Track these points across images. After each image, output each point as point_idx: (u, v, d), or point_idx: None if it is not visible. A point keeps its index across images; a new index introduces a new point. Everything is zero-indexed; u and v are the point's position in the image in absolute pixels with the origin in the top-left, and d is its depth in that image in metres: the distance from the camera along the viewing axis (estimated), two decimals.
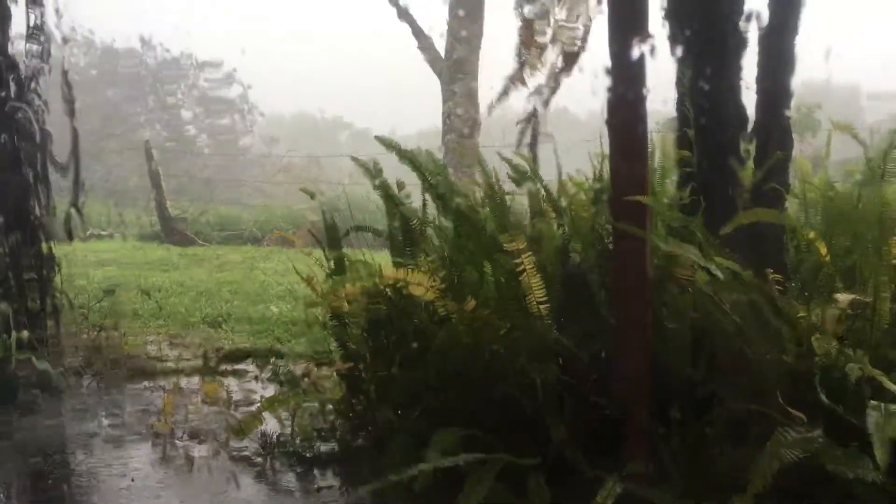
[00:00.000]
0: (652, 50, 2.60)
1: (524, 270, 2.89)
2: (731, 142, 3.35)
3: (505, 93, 4.32)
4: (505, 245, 2.91)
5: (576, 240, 3.27)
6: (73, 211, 5.19)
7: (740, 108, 3.50)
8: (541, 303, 2.92)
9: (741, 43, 3.45)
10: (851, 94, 27.43)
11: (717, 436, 2.68)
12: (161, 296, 8.02)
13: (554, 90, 3.99)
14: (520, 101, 4.33)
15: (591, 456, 2.80)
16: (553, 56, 3.99)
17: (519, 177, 3.83)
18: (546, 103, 4.02)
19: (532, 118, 4.06)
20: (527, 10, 3.90)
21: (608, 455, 2.77)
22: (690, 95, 3.44)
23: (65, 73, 5.16)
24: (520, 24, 3.97)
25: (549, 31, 3.96)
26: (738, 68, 3.49)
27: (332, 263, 3.68)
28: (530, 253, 2.90)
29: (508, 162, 3.91)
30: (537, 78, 4.09)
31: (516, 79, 4.03)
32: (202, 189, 21.25)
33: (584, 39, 3.94)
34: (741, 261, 2.68)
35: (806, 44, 3.48)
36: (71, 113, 5.16)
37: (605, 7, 2.85)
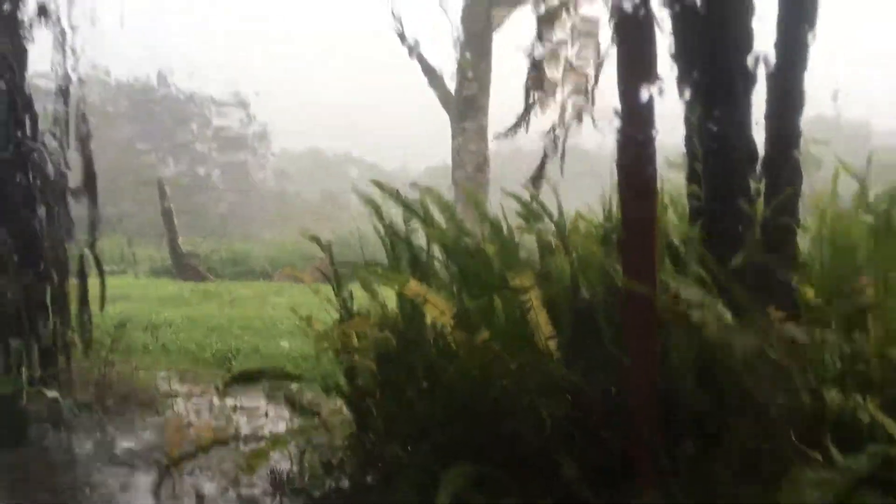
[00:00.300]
0: (660, 91, 2.62)
1: (531, 307, 2.89)
2: (739, 179, 3.35)
3: (515, 129, 4.33)
4: (511, 283, 2.92)
5: (584, 276, 3.27)
6: (87, 251, 5.24)
7: (751, 145, 3.51)
8: (549, 339, 2.91)
9: (749, 81, 3.47)
10: (861, 130, 27.52)
11: (728, 472, 2.65)
12: (172, 331, 8.05)
13: (566, 132, 3.99)
14: (530, 139, 4.34)
15: (601, 490, 2.77)
16: (563, 95, 4.01)
17: (528, 213, 3.84)
18: (559, 143, 4.02)
19: (543, 160, 4.06)
20: (537, 51, 3.93)
21: (618, 489, 2.75)
22: (699, 133, 3.45)
23: (81, 115, 5.24)
24: (528, 64, 3.99)
25: (560, 70, 3.98)
26: (748, 105, 3.50)
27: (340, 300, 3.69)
28: (537, 289, 2.91)
29: (517, 199, 3.93)
30: (549, 116, 4.10)
31: (523, 120, 4.05)
32: (215, 224, 21.39)
33: (596, 79, 3.96)
34: (749, 298, 2.67)
35: (816, 78, 3.50)
36: (87, 155, 5.23)
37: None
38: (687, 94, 3.43)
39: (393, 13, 14.97)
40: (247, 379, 3.81)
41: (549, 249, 3.59)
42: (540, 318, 2.89)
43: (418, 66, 15.05)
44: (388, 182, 3.86)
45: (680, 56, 3.55)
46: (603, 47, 3.95)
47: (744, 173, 3.37)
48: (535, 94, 3.99)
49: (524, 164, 4.52)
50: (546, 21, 3.91)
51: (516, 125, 4.28)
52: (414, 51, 15.13)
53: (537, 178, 4.07)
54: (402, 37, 15.10)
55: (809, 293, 2.78)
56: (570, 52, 3.96)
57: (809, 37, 3.38)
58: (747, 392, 2.48)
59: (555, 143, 4.00)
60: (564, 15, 3.93)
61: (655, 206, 2.88)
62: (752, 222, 3.32)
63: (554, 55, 3.95)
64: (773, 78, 3.48)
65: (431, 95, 14.95)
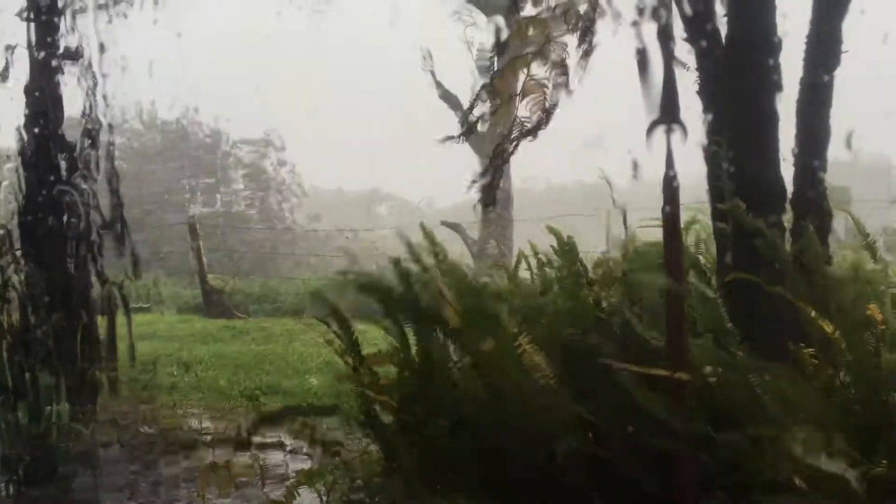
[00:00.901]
0: (672, 131, 2.61)
1: (524, 351, 2.87)
2: (767, 217, 3.31)
3: (462, 136, 4.30)
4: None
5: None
6: (115, 290, 5.32)
7: (779, 182, 3.49)
8: (549, 378, 2.88)
9: (775, 119, 3.46)
10: (881, 165, 27.14)
11: None
12: (201, 368, 8.07)
13: (516, 142, 3.98)
14: (555, 174, 4.32)
15: None
16: (523, 110, 4.01)
17: (561, 249, 3.84)
18: (505, 156, 4.01)
19: (496, 171, 4.06)
20: (498, 63, 3.94)
21: None
22: (726, 171, 3.43)
23: (111, 160, 5.35)
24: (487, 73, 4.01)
25: (520, 84, 3.99)
26: (775, 143, 3.49)
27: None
28: (525, 333, 2.88)
29: (555, 233, 3.92)
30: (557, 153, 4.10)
31: (471, 127, 4.04)
32: (246, 262, 21.55)
33: (565, 89, 3.96)
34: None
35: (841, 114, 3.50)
36: (117, 200, 5.33)
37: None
38: (711, 132, 3.43)
39: (423, 51, 15.20)
40: (271, 420, 3.80)
41: (576, 285, 3.57)
42: (536, 359, 2.86)
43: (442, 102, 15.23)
44: (415, 218, 3.88)
45: (705, 93, 3.55)
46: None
47: (772, 213, 3.35)
48: (490, 103, 4.00)
49: (552, 199, 4.51)
50: (514, 35, 3.93)
51: (466, 132, 4.25)
52: (445, 93, 15.30)
53: (488, 194, 4.07)
54: (435, 81, 15.30)
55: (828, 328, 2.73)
56: (541, 71, 3.97)
57: (830, 77, 3.38)
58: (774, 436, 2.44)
59: (502, 155, 4.00)
60: (532, 31, 3.94)
61: (681, 247, 2.86)
62: (780, 262, 3.29)
63: (512, 68, 3.96)
64: (799, 117, 3.48)
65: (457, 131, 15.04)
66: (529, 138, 3.94)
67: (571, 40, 3.92)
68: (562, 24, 3.85)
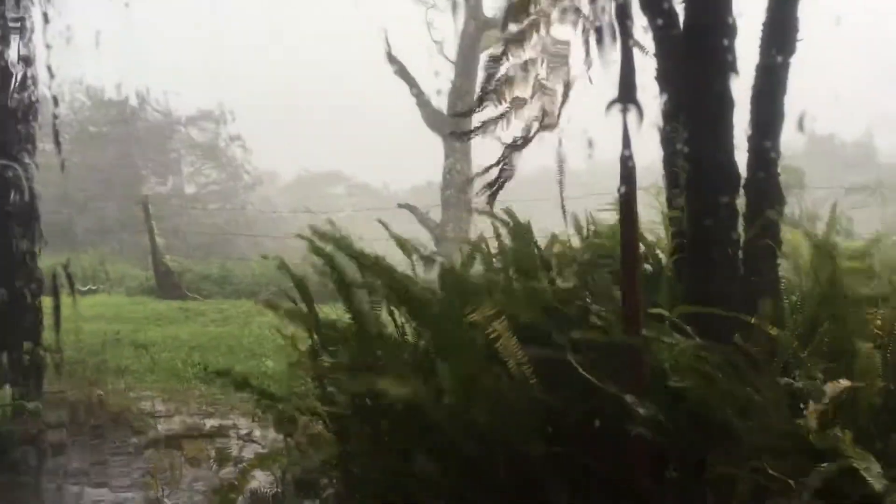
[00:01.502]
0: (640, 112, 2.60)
1: (499, 336, 2.85)
2: (721, 202, 3.34)
3: (477, 130, 4.27)
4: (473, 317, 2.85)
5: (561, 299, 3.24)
6: (61, 269, 5.20)
7: (732, 167, 3.51)
8: (521, 364, 2.86)
9: (730, 104, 3.47)
10: (863, 150, 27.73)
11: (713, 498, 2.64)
12: (154, 350, 7.96)
13: (525, 143, 3.98)
14: (530, 162, 4.30)
15: None
16: (533, 112, 4.01)
17: (516, 231, 3.83)
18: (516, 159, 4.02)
19: (504, 172, 4.06)
20: (503, 67, 3.95)
21: None
22: (682, 155, 3.45)
23: (56, 133, 5.21)
24: (484, 79, 4.02)
25: (531, 87, 3.99)
26: (730, 128, 3.51)
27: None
28: (502, 319, 2.84)
29: (499, 220, 3.91)
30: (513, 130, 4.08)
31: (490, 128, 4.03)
32: (199, 243, 21.28)
33: (565, 98, 3.96)
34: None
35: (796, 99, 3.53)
36: (61, 167, 5.20)
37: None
38: (668, 116, 3.44)
39: (384, 32, 15.15)
40: (228, 377, 3.75)
41: (530, 270, 3.56)
42: (510, 345, 2.83)
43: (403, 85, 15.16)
44: (373, 200, 3.83)
45: (662, 78, 3.55)
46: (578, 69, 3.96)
47: (725, 195, 3.37)
48: (500, 107, 4.00)
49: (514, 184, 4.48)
50: (515, 40, 3.93)
51: (512, 152, 4.23)
52: (401, 70, 15.23)
53: (494, 193, 4.07)
54: (390, 56, 15.23)
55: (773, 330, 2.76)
56: (539, 70, 3.98)
57: (785, 62, 3.40)
58: (725, 422, 2.46)
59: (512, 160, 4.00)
60: (535, 35, 3.94)
61: (636, 227, 2.87)
62: (734, 245, 3.32)
63: (522, 71, 3.96)
64: (754, 99, 3.49)
65: (417, 114, 15.02)
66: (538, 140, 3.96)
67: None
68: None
